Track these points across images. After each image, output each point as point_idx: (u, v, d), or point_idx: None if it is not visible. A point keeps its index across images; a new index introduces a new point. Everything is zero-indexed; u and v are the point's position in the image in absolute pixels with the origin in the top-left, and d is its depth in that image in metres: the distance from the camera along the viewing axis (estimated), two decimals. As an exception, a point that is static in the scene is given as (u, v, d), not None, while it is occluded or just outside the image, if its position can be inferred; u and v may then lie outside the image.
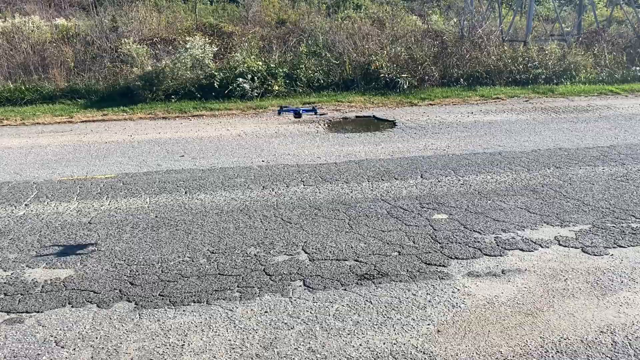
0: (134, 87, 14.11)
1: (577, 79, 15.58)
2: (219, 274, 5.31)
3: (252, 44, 16.53)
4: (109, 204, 7.33)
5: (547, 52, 16.06)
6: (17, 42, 17.95)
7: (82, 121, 12.78)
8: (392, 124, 12.04)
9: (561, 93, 14.61)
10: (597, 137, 10.30)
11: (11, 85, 14.55)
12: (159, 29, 19.99)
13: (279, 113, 9.28)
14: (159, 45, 17.13)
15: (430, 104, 13.96)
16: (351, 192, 7.57)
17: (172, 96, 14.12)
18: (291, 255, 5.65)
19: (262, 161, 9.23)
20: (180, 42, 15.22)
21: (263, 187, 7.88)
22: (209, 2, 26.83)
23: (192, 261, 5.58)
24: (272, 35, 18.92)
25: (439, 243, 5.85)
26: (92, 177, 8.56)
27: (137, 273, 5.37)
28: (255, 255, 5.67)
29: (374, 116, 12.85)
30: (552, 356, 4.06)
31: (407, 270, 5.27)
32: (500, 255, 5.56)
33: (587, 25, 21.25)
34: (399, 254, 5.61)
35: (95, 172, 8.79)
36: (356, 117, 12.89)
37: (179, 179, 8.33)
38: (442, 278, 5.14)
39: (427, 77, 15.12)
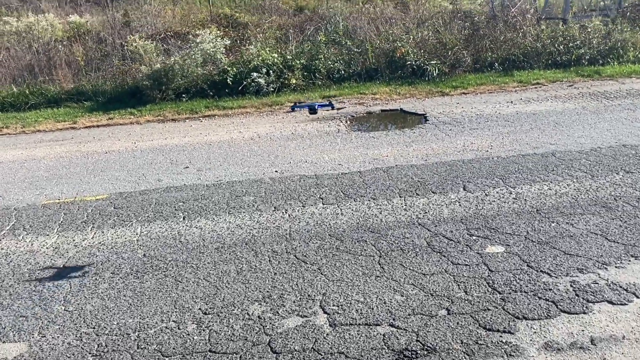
0: (142, 86, 12.78)
1: (625, 58, 13.68)
2: (210, 350, 3.90)
3: (267, 35, 15.03)
4: (92, 238, 5.99)
5: (589, 29, 14.19)
6: (27, 42, 16.80)
7: (86, 127, 11.50)
8: (423, 118, 10.47)
9: (609, 75, 12.77)
10: (665, 128, 8.61)
11: (15, 89, 13.35)
12: (173, 23, 18.62)
13: (292, 110, 7.98)
14: (171, 40, 15.76)
15: (464, 93, 12.30)
16: (380, 212, 6.09)
17: (183, 95, 12.75)
18: (306, 317, 4.21)
19: (276, 171, 7.79)
20: (193, 35, 13.80)
21: (275, 207, 6.44)
22: (225, -8, 25.32)
23: (179, 328, 4.19)
24: (289, 24, 17.38)
25: (499, 293, 4.34)
26: (81, 198, 7.24)
27: (105, 349, 4.00)
28: (259, 317, 4.25)
29: (401, 109, 11.27)
30: None
31: (462, 342, 3.79)
32: (584, 313, 4.04)
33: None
34: (448, 313, 4.12)
35: (86, 192, 7.47)
36: (381, 111, 11.33)
37: (178, 199, 6.95)
38: (510, 354, 3.65)
39: (458, 63, 13.42)
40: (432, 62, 13.09)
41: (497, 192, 6.44)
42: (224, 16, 18.86)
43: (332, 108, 7.13)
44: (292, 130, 10.05)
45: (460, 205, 6.15)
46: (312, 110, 7.05)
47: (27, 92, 13.19)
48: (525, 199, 6.19)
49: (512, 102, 11.21)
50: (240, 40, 16.08)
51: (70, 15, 21.31)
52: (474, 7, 18.12)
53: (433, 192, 6.58)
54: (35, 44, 16.64)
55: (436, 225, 5.66)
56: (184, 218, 6.32)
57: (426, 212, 6.01)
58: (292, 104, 7.30)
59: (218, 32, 15.65)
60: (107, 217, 6.52)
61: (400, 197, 6.51)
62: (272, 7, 20.43)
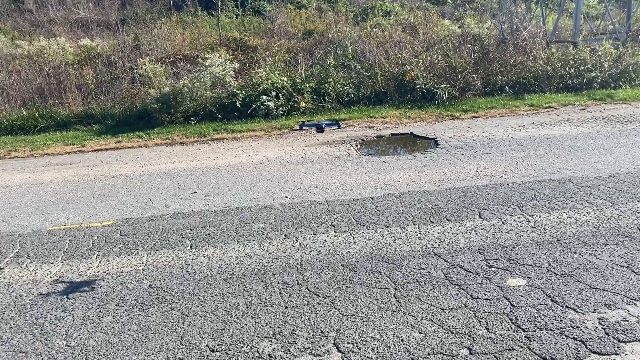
0: (150, 110, 12.67)
1: (638, 81, 13.48)
2: (217, 392, 3.66)
3: (276, 58, 14.96)
4: (97, 267, 5.77)
5: (600, 53, 14.02)
6: (39, 65, 16.82)
7: (94, 150, 11.36)
8: (434, 142, 10.26)
9: (622, 99, 12.56)
10: (683, 153, 8.36)
11: (25, 113, 13.28)
12: (183, 46, 18.64)
13: (300, 128, 7.94)
14: (180, 63, 15.73)
15: (474, 117, 12.11)
16: (394, 241, 5.85)
17: (192, 118, 12.63)
18: (319, 355, 3.96)
19: (286, 197, 7.59)
20: (202, 59, 13.73)
21: (285, 235, 6.22)
22: (234, 16, 25.44)
23: (185, 367, 3.95)
24: (298, 48, 17.33)
25: (523, 330, 4.08)
26: (87, 224, 7.04)
27: (107, 390, 3.76)
28: (269, 355, 4.00)
29: (411, 133, 11.08)
30: None
31: (486, 386, 3.54)
32: (616, 354, 3.77)
33: (634, 21, 19.02)
34: (470, 353, 3.86)
35: (92, 218, 7.28)
36: (392, 134, 11.14)
37: (186, 225, 6.74)
38: (540, 401, 3.38)
39: (468, 87, 13.26)
40: (442, 85, 12.93)
41: (514, 220, 6.20)
42: (233, 40, 18.87)
43: (339, 127, 7.07)
44: (302, 154, 9.86)
45: (476, 233, 5.91)
46: (320, 129, 6.93)
47: (36, 115, 13.11)
48: (544, 228, 5.93)
49: (524, 125, 10.99)
50: (250, 64, 16.03)
51: (82, 39, 21.44)
52: (482, 30, 18.06)
53: (448, 220, 6.34)
54: (46, 67, 16.66)
55: (453, 256, 5.41)
56: (191, 246, 6.11)
57: (442, 241, 5.77)
58: (300, 123, 7.26)
59: (227, 55, 15.63)
60: (113, 244, 6.31)
61: (414, 224, 6.27)
62: (280, 31, 20.45)
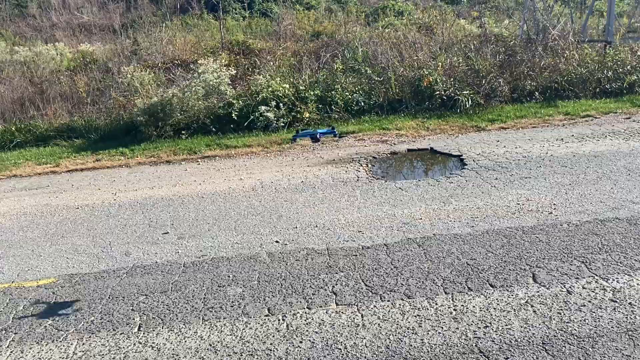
0: (137, 122, 10.91)
1: (687, 85, 11.46)
2: None
3: (280, 63, 13.13)
4: (4, 362, 4.01)
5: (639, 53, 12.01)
6: (30, 72, 15.18)
7: (68, 170, 9.62)
8: (459, 160, 8.38)
9: (672, 105, 10.57)
10: None
11: (0, 126, 11.60)
12: (184, 51, 16.86)
13: (294, 140, 6.66)
14: (178, 69, 13.96)
15: (502, 128, 10.17)
16: (419, 325, 3.99)
17: (183, 132, 10.84)
18: None
19: (277, 241, 5.76)
20: (194, 65, 11.95)
21: (268, 310, 4.38)
22: (241, 18, 23.65)
23: None
24: (305, 50, 15.47)
25: None
26: (20, 284, 5.28)
27: None
28: None
29: (431, 148, 9.19)
30: None
31: None
32: None
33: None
34: None
35: (30, 273, 5.51)
36: (408, 150, 9.26)
37: (142, 288, 4.94)
38: None
39: (493, 93, 11.32)
40: (465, 91, 10.99)
41: (584, 288, 4.31)
42: (236, 43, 17.07)
43: (335, 135, 5.79)
44: (302, 177, 8.03)
45: (534, 312, 4.03)
46: (314, 138, 5.50)
47: (13, 129, 11.41)
48: (630, 303, 4.04)
49: (562, 139, 9.06)
50: (253, 68, 14.21)
51: (82, 44, 19.80)
52: (501, 30, 16.08)
53: (491, 286, 4.47)
54: (38, 74, 15.01)
55: (507, 356, 3.55)
56: (139, 327, 4.30)
57: (487, 326, 3.90)
58: (294, 134, 5.92)
59: (228, 59, 13.83)
60: (38, 321, 4.53)
61: (445, 293, 4.41)
62: (287, 33, 18.62)
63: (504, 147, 8.85)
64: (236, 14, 24.24)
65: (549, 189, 6.68)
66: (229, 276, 5.02)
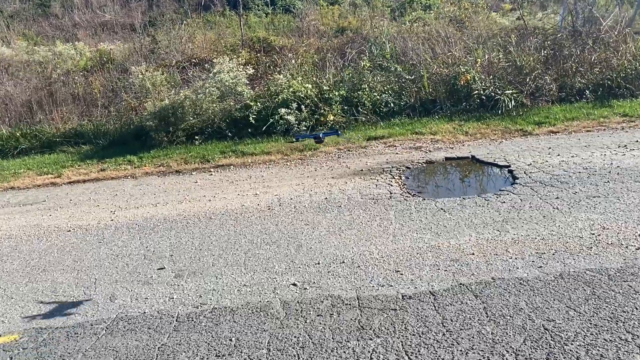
0: (147, 127, 9.76)
1: None
2: None
3: (301, 61, 11.84)
4: None
5: None
6: (46, 73, 14.18)
7: (70, 182, 8.52)
8: (508, 172, 7.01)
9: None
10: None
11: (4, 131, 10.57)
12: (203, 49, 15.67)
13: (297, 140, 6.02)
14: (195, 69, 12.77)
15: (552, 132, 8.73)
16: None
17: (196, 137, 9.66)
18: None
19: (294, 284, 4.50)
20: (209, 64, 10.76)
21: (281, 399, 3.14)
22: (264, 15, 22.40)
23: None
24: (328, 47, 14.13)
25: None
26: (-26, 341, 4.13)
27: None
28: None
29: (472, 157, 7.82)
30: None
31: None
32: None
33: None
34: None
35: (-7, 322, 4.37)
36: (446, 159, 7.91)
37: (120, 355, 3.73)
38: None
39: (538, 92, 9.85)
40: (508, 91, 9.54)
41: None
42: (257, 40, 15.81)
43: (338, 135, 5.04)
44: (326, 193, 6.75)
45: (664, 422, 2.69)
46: (318, 139, 4.77)
47: (18, 134, 10.37)
48: None
49: (625, 146, 7.60)
50: (274, 67, 12.95)
51: (101, 43, 18.82)
52: (534, 22, 14.46)
53: (587, 370, 3.13)
54: (53, 75, 14.00)
55: None
56: None
57: None
58: (297, 134, 5.15)
59: (248, 57, 12.59)
60: (-20, 405, 3.37)
61: (522, 379, 3.09)
62: (310, 29, 17.30)
63: (558, 155, 7.43)
64: (259, 10, 23.03)
65: (627, 214, 5.28)
66: (230, 339, 3.77)
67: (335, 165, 8.03)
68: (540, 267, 4.40)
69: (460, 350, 3.41)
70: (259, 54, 14.42)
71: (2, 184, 8.60)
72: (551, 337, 3.46)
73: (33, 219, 6.91)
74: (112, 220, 6.58)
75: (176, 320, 4.11)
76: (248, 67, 10.56)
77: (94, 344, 3.89)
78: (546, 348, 3.36)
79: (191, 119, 9.59)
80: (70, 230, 6.35)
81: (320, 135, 5.66)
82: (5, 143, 10.30)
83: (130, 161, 9.09)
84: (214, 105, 9.71)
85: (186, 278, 4.82)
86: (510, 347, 3.40)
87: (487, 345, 3.44)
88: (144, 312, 4.27)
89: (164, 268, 5.07)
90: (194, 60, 14.19)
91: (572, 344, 3.38)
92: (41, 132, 10.45)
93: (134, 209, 6.90)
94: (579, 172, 6.64)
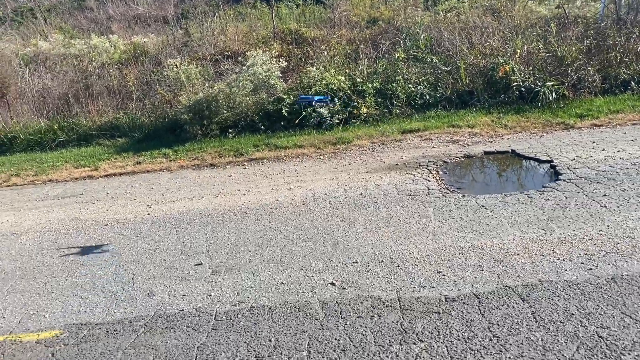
0: (181, 121, 9.77)
1: None
2: None
3: (333, 53, 11.67)
4: None
5: None
6: (82, 67, 14.37)
7: (106, 175, 8.59)
8: (550, 167, 6.74)
9: None
10: None
11: (42, 124, 10.73)
12: (235, 41, 15.62)
13: (297, 105, 6.85)
14: (228, 61, 12.73)
15: (595, 125, 8.37)
16: None
17: (229, 130, 9.62)
18: None
19: (333, 283, 4.40)
20: (243, 57, 10.68)
21: (323, 405, 3.04)
22: (295, 6, 22.23)
23: None
24: (360, 38, 13.90)
25: None
26: (16, 336, 4.16)
27: None
28: None
29: (512, 151, 7.55)
30: None
31: None
32: None
33: None
34: None
35: (33, 320, 4.39)
36: (485, 153, 7.66)
37: (160, 354, 3.70)
38: None
39: (580, 83, 9.47)
40: (548, 82, 9.20)
41: None
42: (288, 32, 15.68)
43: (328, 102, 5.22)
44: (361, 188, 6.61)
45: None
46: (310, 104, 5.12)
47: (55, 127, 10.52)
48: None
49: (676, 140, 7.23)
50: (306, 59, 12.81)
51: (135, 36, 18.96)
52: (574, 11, 13.91)
53: (648, 382, 2.94)
54: (90, 67, 14.18)
55: None
56: None
57: None
58: (297, 99, 5.42)
59: (280, 49, 12.48)
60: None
61: (577, 391, 2.92)
62: (341, 20, 17.07)
63: (603, 150, 7.11)
64: (289, 1, 22.88)
65: (684, 214, 4.99)
66: (270, 340, 3.69)
67: (369, 159, 7.88)
68: (590, 269, 4.19)
69: (509, 357, 3.26)
70: (290, 46, 14.30)
71: (41, 177, 8.73)
72: (606, 345, 3.28)
73: (71, 212, 6.98)
74: (148, 214, 6.59)
75: (214, 319, 4.05)
76: (281, 59, 10.44)
77: (134, 342, 3.87)
78: (602, 357, 3.18)
79: (225, 112, 9.55)
80: (107, 224, 6.38)
81: (313, 102, 6.96)
82: (43, 136, 10.46)
83: (166, 154, 9.12)
84: (247, 98, 9.65)
85: (223, 274, 4.77)
86: (563, 355, 3.23)
87: (537, 353, 3.27)
88: (182, 310, 4.24)
89: (202, 264, 5.03)
90: (226, 52, 14.15)
91: (629, 354, 3.19)
92: (78, 125, 10.58)
93: (170, 203, 6.90)
94: (627, 168, 6.33)
